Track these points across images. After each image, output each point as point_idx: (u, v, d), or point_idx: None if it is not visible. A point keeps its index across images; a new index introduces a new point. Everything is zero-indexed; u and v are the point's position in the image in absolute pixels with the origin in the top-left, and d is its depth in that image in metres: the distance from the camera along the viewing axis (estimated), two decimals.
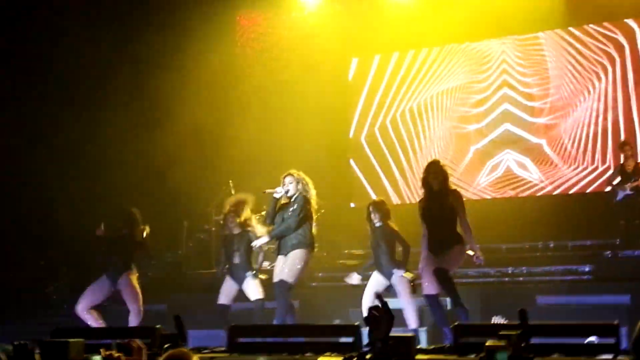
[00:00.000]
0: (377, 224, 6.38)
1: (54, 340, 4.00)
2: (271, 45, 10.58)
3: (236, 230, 6.76)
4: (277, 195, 6.13)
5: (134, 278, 6.65)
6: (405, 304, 6.30)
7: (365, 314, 5.88)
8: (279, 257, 6.18)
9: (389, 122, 10.58)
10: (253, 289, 6.60)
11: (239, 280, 6.65)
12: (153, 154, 9.42)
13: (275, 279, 6.15)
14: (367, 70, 10.76)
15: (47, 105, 9.47)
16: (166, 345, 3.59)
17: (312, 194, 6.19)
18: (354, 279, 6.62)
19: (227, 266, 6.76)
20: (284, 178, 6.17)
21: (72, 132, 9.38)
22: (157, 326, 4.26)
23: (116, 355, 3.13)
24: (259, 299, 6.55)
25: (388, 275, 6.38)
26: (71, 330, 4.66)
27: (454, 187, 5.90)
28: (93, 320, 6.53)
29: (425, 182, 5.83)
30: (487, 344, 3.29)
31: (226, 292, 6.65)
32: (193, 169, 9.65)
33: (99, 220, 6.72)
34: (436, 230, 5.73)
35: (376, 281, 6.43)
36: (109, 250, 6.67)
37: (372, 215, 6.40)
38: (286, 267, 6.05)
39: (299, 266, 6.06)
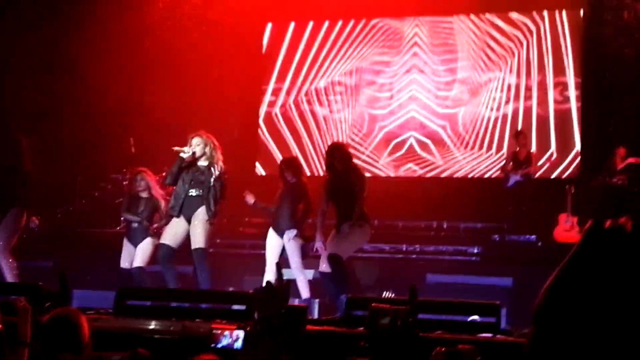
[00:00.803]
0: (292, 180, 6.36)
1: None
2: (184, 1, 10.20)
3: (144, 194, 6.63)
4: (184, 155, 5.93)
5: (20, 213, 5.84)
6: (295, 272, 6.25)
7: (270, 276, 5.86)
8: (178, 221, 5.98)
9: (303, 95, 10.51)
10: (139, 255, 6.43)
11: (135, 244, 6.50)
12: (55, 110, 8.91)
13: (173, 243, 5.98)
14: (282, 37, 10.61)
15: None
16: (47, 304, 3.42)
17: (220, 157, 6.05)
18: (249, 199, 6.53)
19: (125, 229, 6.58)
20: (192, 139, 5.98)
21: None
22: (39, 283, 4.06)
23: None
24: (138, 267, 6.37)
25: (282, 232, 6.31)
26: None
27: (356, 166, 6.09)
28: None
29: (330, 165, 5.94)
30: (372, 304, 3.36)
31: (126, 256, 6.49)
32: (94, 124, 9.24)
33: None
34: (341, 209, 5.86)
35: (272, 243, 6.35)
36: None
37: (285, 173, 6.37)
38: (197, 233, 5.86)
39: (206, 232, 5.91)
